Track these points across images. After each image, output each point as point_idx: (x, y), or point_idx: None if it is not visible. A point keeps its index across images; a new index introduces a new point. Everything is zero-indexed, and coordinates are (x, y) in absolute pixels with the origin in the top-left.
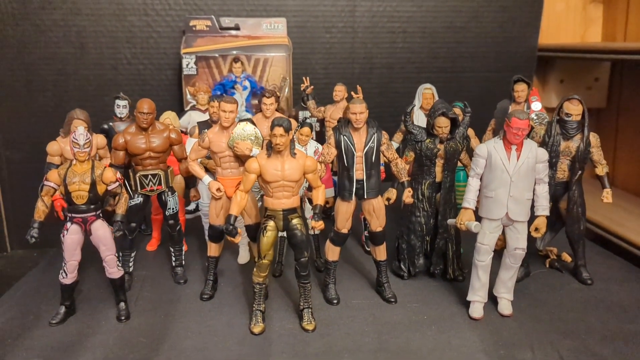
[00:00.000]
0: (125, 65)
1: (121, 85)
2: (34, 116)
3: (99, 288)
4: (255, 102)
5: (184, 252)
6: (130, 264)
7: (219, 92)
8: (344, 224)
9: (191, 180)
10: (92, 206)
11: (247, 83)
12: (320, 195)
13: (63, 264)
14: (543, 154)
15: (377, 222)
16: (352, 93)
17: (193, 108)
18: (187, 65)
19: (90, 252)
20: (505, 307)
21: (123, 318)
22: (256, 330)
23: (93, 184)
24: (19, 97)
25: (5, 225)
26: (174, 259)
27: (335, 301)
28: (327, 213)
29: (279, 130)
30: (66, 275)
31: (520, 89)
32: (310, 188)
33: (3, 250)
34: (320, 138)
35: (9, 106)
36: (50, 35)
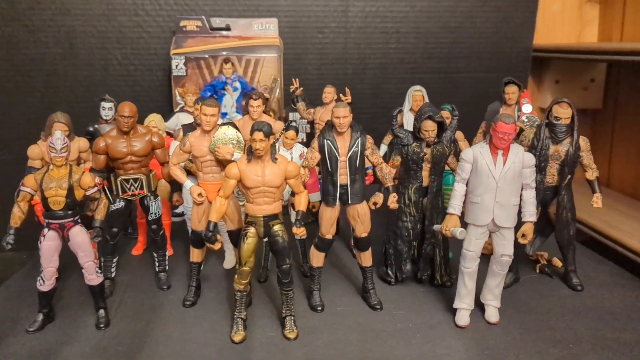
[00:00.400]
0: (115, 66)
1: (111, 87)
2: (23, 117)
3: (80, 294)
4: (245, 103)
5: (167, 257)
6: (112, 270)
7: (209, 93)
8: (328, 229)
9: (175, 184)
10: (69, 212)
11: (237, 84)
12: (303, 201)
13: (40, 271)
14: (530, 158)
15: (362, 227)
16: (341, 95)
17: (182, 110)
18: (176, 66)
19: (71, 257)
20: (492, 314)
21: (102, 326)
22: (237, 338)
23: (70, 190)
24: (9, 98)
25: None
26: (157, 264)
27: (319, 308)
28: (315, 216)
29: (258, 135)
30: (44, 282)
31: (511, 91)
32: (293, 193)
33: None
34: (311, 140)
35: None
36: (39, 35)
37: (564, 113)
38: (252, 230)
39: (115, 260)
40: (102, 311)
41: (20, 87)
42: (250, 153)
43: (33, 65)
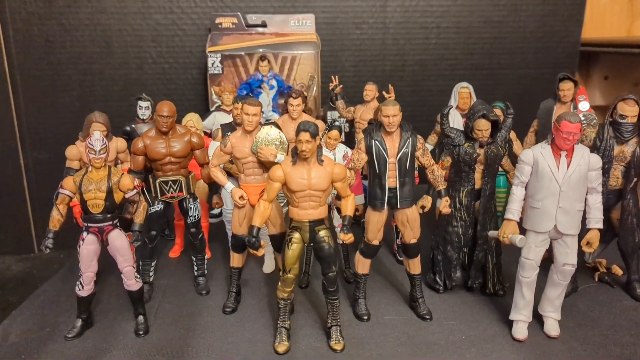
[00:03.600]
0: (150, 64)
1: (146, 85)
2: (60, 116)
3: (119, 298)
4: (282, 101)
5: (206, 261)
6: (151, 274)
7: (245, 92)
8: (375, 235)
9: (214, 186)
10: (108, 215)
11: (274, 82)
12: (350, 205)
13: (79, 275)
14: (597, 160)
15: (411, 233)
16: (384, 93)
17: (218, 109)
18: (212, 64)
19: (110, 261)
20: (552, 327)
21: (141, 332)
22: (280, 349)
23: (109, 192)
24: (45, 97)
25: (33, 226)
26: (195, 268)
27: (365, 317)
28: (357, 220)
29: (305, 136)
30: (82, 287)
31: (566, 87)
32: (338, 196)
33: (30, 252)
34: (350, 140)
35: (36, 106)
36: (75, 34)
37: (630, 111)
38: (297, 235)
39: (153, 264)
40: (141, 317)
41: (56, 86)
42: (295, 155)
43: (69, 64)
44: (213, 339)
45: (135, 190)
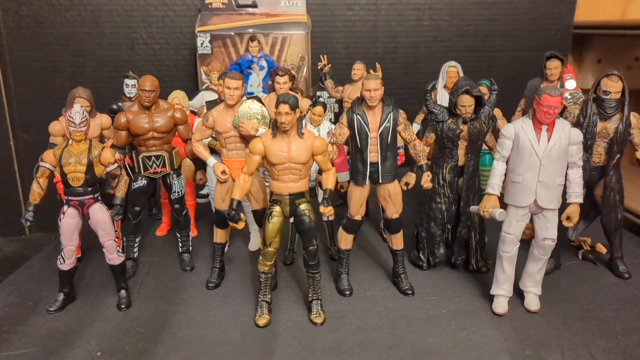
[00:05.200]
0: (141, 45)
1: (137, 66)
2: (50, 97)
3: (102, 274)
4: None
5: (190, 238)
6: (135, 250)
7: None
8: (357, 210)
9: (199, 163)
10: (89, 188)
11: (264, 63)
12: (331, 179)
13: (60, 250)
14: (577, 135)
15: (393, 208)
16: (371, 71)
17: (207, 88)
18: (201, 44)
19: (94, 237)
20: (532, 302)
21: (123, 306)
22: (261, 322)
23: (90, 165)
24: (36, 78)
25: (24, 208)
26: (180, 244)
27: (347, 292)
28: (343, 198)
29: (284, 108)
30: (64, 261)
31: (553, 65)
32: (321, 171)
33: (21, 234)
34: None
35: (26, 87)
36: (66, 15)
37: (614, 87)
38: (277, 209)
39: (137, 240)
40: (123, 292)
41: (46, 67)
42: (275, 128)
43: (59, 45)
44: (195, 312)
45: (116, 164)
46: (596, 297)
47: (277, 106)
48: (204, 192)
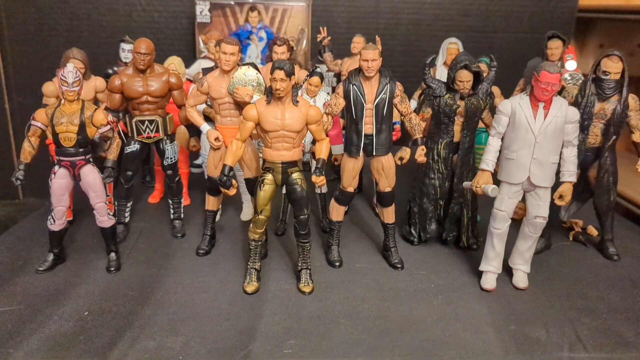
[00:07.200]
0: (139, 12)
1: (135, 33)
2: (46, 61)
3: (93, 237)
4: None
5: (182, 205)
6: (126, 215)
7: None
8: (350, 181)
9: (193, 129)
10: (81, 149)
11: (263, 34)
12: (324, 149)
13: (51, 210)
14: (574, 113)
15: (386, 181)
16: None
17: (204, 57)
18: (200, 12)
19: (86, 200)
20: (520, 279)
21: (112, 269)
22: (249, 289)
23: (82, 126)
24: (31, 41)
25: None
26: (172, 211)
27: (337, 264)
28: (337, 173)
29: (279, 74)
30: (54, 221)
31: (555, 46)
32: (314, 141)
33: (15, 198)
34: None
35: (21, 51)
36: None
37: (613, 67)
38: (269, 177)
39: (129, 205)
40: (113, 254)
41: (42, 31)
42: (270, 94)
43: (56, 8)
44: (184, 277)
45: (108, 126)
46: (584, 277)
47: (272, 72)
48: (198, 161)
